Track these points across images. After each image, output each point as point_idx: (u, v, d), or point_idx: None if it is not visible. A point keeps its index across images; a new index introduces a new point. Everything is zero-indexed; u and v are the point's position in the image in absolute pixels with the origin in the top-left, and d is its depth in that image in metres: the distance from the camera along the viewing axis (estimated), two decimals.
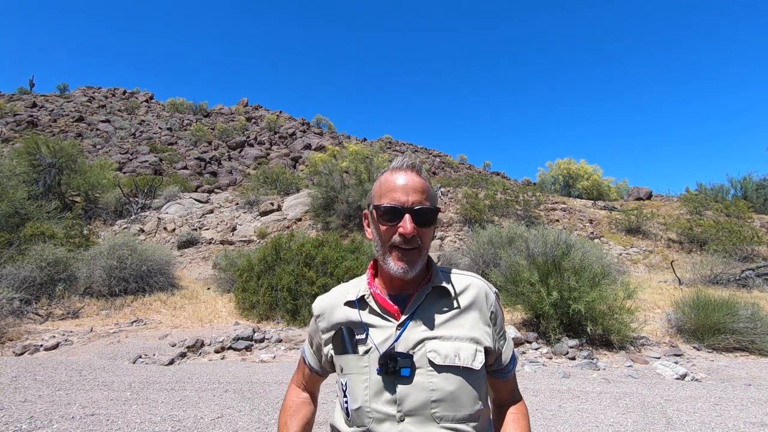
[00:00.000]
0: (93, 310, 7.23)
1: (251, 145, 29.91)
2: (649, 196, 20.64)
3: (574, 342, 5.28)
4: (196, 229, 14.14)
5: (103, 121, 31.10)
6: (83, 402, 3.37)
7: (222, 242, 13.40)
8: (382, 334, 0.92)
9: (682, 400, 3.65)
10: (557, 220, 14.41)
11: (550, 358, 5.12)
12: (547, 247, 6.42)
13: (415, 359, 0.88)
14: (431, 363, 0.87)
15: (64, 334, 5.79)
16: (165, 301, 7.75)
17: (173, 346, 5.24)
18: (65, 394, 3.55)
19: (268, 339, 5.63)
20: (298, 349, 5.47)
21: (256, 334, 5.65)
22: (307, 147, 30.62)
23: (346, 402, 0.92)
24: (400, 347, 0.89)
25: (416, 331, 0.91)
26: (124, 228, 14.10)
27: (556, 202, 16.28)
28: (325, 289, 6.29)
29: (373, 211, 0.94)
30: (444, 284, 0.95)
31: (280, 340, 5.64)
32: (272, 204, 15.33)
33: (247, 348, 5.35)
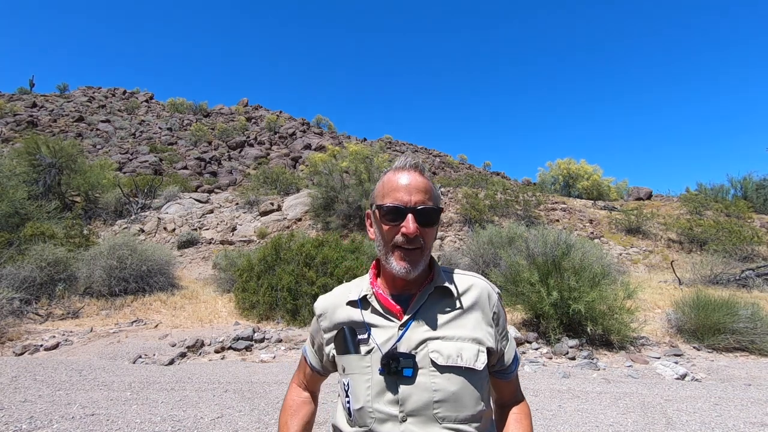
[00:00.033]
0: (93, 310, 7.23)
1: (251, 145, 29.91)
2: (649, 196, 20.64)
3: (574, 342, 5.28)
4: (196, 229, 14.14)
5: (103, 121, 31.10)
6: (83, 402, 3.37)
7: (222, 242, 13.40)
8: (384, 334, 0.92)
9: (682, 400, 3.65)
10: (557, 220, 14.41)
11: (550, 358, 5.12)
12: (547, 247, 6.42)
13: (417, 359, 0.88)
14: (434, 363, 0.87)
15: (64, 334, 5.79)
16: (165, 301, 7.75)
17: (173, 346, 5.24)
18: (65, 394, 3.55)
19: (268, 339, 5.63)
20: (298, 349, 5.47)
21: (256, 334, 5.65)
22: (307, 147, 30.62)
23: (348, 402, 0.92)
24: (403, 347, 0.89)
25: (419, 331, 0.91)
26: (124, 228, 14.10)
27: (556, 202, 16.28)
28: (325, 289, 6.30)
29: (376, 210, 0.94)
30: (446, 284, 0.95)
31: (280, 340, 5.64)
32: (272, 204, 15.33)
33: (247, 348, 5.35)
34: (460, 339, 0.90)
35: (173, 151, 26.46)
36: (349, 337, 0.94)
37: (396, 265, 0.90)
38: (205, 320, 6.63)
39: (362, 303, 0.97)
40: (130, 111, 36.46)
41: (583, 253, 6.32)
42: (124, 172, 20.90)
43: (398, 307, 0.94)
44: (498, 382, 1.02)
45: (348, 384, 0.93)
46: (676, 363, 4.83)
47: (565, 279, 5.50)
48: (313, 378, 1.13)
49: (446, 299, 0.95)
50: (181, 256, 12.29)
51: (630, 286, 5.63)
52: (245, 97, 44.08)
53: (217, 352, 5.23)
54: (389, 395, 0.87)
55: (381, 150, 19.33)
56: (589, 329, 5.35)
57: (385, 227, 0.91)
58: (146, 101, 40.42)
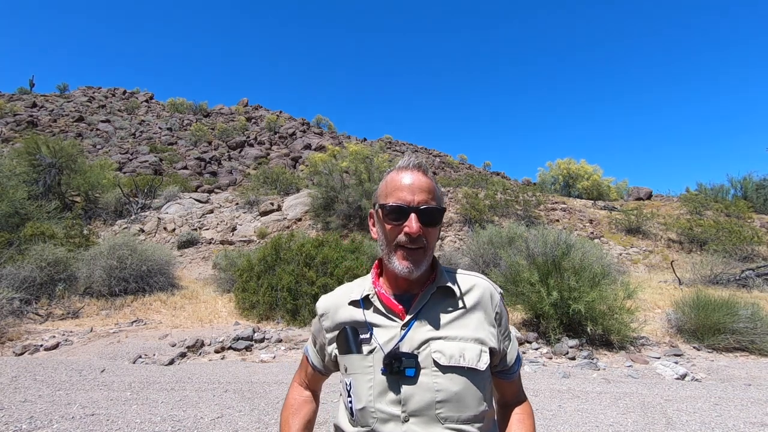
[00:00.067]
0: (93, 310, 7.23)
1: (251, 145, 29.91)
2: (649, 196, 20.64)
3: (574, 342, 5.28)
4: (196, 229, 14.14)
5: (103, 121, 31.10)
6: (83, 402, 3.37)
7: (222, 242, 13.40)
8: (386, 333, 0.92)
9: (682, 400, 3.65)
10: (557, 220, 14.41)
11: (550, 358, 5.12)
12: (547, 247, 6.42)
13: (419, 359, 0.87)
14: (436, 363, 0.87)
15: (64, 334, 5.79)
16: (165, 301, 7.75)
17: (173, 346, 5.23)
18: (65, 394, 3.55)
19: (268, 339, 5.63)
20: (298, 349, 5.47)
21: (256, 334, 5.65)
22: (307, 147, 30.62)
23: (350, 402, 0.92)
24: (405, 347, 0.89)
25: (421, 331, 0.90)
26: (124, 228, 14.10)
27: (556, 202, 16.28)
28: (325, 289, 6.31)
29: (379, 210, 0.94)
30: (449, 284, 0.95)
31: (280, 340, 5.64)
32: (272, 204, 15.33)
33: (247, 348, 5.35)
34: (462, 339, 0.90)
35: (173, 151, 26.46)
36: (351, 337, 0.93)
37: (398, 264, 0.90)
38: (205, 320, 6.63)
39: (364, 303, 0.97)
40: (130, 111, 36.47)
41: (583, 253, 6.32)
42: (124, 172, 20.90)
43: (400, 306, 0.93)
44: (500, 382, 1.02)
45: (350, 384, 0.93)
46: (676, 363, 4.83)
47: (565, 279, 5.50)
48: (314, 377, 1.13)
49: (449, 299, 0.95)
50: (181, 256, 12.29)
51: (630, 286, 5.63)
52: (245, 97, 44.12)
53: (217, 352, 5.23)
54: (391, 395, 0.87)
55: (381, 150, 19.33)
56: (589, 329, 5.35)
57: (388, 226, 0.91)
58: (146, 101, 40.42)
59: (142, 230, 14.00)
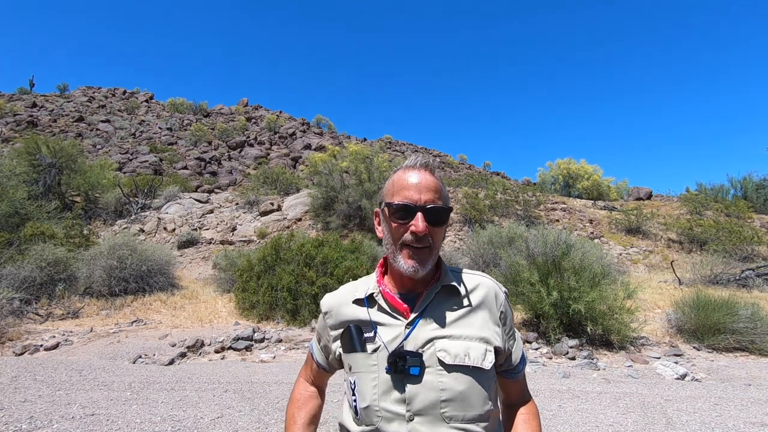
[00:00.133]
0: (93, 310, 7.23)
1: (251, 145, 29.91)
2: (649, 196, 20.64)
3: (574, 342, 5.28)
4: (196, 229, 14.14)
5: (103, 121, 31.10)
6: (83, 402, 3.37)
7: (222, 242, 13.40)
8: (390, 332, 0.92)
9: (682, 400, 3.65)
10: (557, 220, 14.42)
11: (550, 358, 5.12)
12: (547, 247, 6.42)
13: (424, 358, 0.87)
14: (441, 362, 0.87)
15: (64, 334, 5.79)
16: (165, 301, 7.75)
17: (173, 346, 5.23)
18: (65, 394, 3.55)
19: (268, 339, 5.63)
20: (298, 349, 5.47)
21: (256, 334, 5.65)
22: (307, 147, 30.62)
23: (355, 400, 0.92)
24: (409, 346, 0.89)
25: (426, 329, 0.90)
26: (124, 228, 14.10)
27: (556, 202, 16.28)
28: (326, 289, 6.31)
29: (385, 208, 0.94)
30: (453, 283, 0.95)
31: (280, 340, 5.64)
32: (272, 204, 15.33)
33: (247, 348, 5.35)
34: (467, 338, 0.90)
35: (173, 151, 26.45)
36: (356, 336, 0.93)
37: (404, 263, 0.90)
38: (205, 320, 6.63)
39: (369, 301, 0.97)
40: (130, 111, 36.47)
41: (583, 253, 6.32)
42: (124, 172, 20.90)
43: (405, 305, 0.93)
44: (505, 381, 1.02)
45: (354, 382, 0.92)
46: (676, 363, 4.83)
47: (565, 279, 5.50)
48: (319, 374, 1.13)
49: (453, 298, 0.95)
50: (181, 256, 12.29)
51: (630, 286, 5.63)
52: (245, 97, 44.10)
53: (217, 352, 5.23)
54: (396, 394, 0.87)
55: (381, 150, 19.33)
56: (589, 329, 5.35)
57: (394, 225, 0.91)
58: (146, 101, 40.42)
59: (142, 230, 14.00)
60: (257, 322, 6.67)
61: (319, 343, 1.11)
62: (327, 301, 1.05)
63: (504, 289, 1.01)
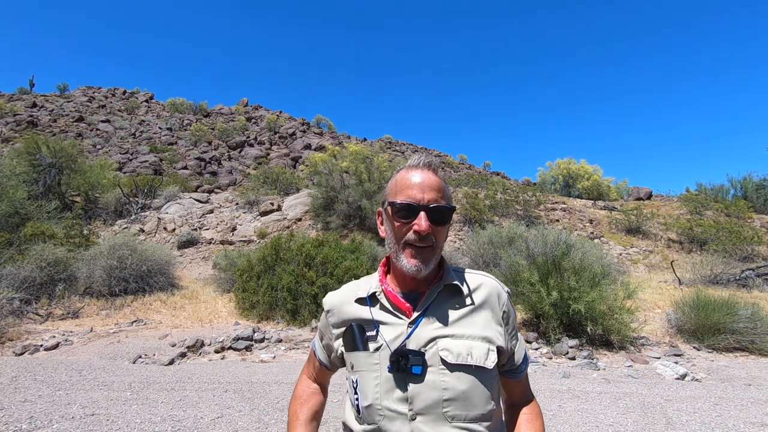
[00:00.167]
0: (93, 310, 7.23)
1: (251, 145, 29.91)
2: (649, 196, 20.64)
3: (574, 342, 5.28)
4: (196, 229, 14.14)
5: (103, 121, 31.10)
6: (83, 402, 3.37)
7: (222, 242, 13.40)
8: (393, 331, 0.92)
9: (682, 400, 3.65)
10: (557, 220, 14.42)
11: (550, 358, 5.12)
12: (547, 247, 6.42)
13: (426, 357, 0.87)
14: (443, 361, 0.87)
15: (64, 334, 5.79)
16: (165, 301, 7.75)
17: (173, 346, 5.23)
18: (65, 394, 3.55)
19: (268, 339, 5.63)
20: (298, 349, 5.47)
21: (256, 334, 5.65)
22: (307, 147, 30.62)
23: (357, 399, 0.92)
24: (412, 345, 0.89)
25: (428, 328, 0.90)
26: (124, 228, 14.09)
27: (556, 202, 16.29)
28: (325, 289, 6.31)
29: (388, 207, 0.94)
30: (456, 282, 0.95)
31: (280, 340, 5.64)
32: (272, 204, 15.33)
33: (247, 348, 5.35)
34: (470, 337, 0.90)
35: (173, 151, 26.45)
36: (358, 334, 0.93)
37: (407, 262, 0.90)
38: (205, 320, 6.63)
39: (371, 300, 0.97)
40: (130, 111, 36.46)
41: (583, 253, 6.33)
42: (124, 172, 20.90)
43: (407, 304, 0.93)
44: (508, 381, 1.02)
45: (357, 381, 0.92)
46: (676, 363, 4.83)
47: (565, 279, 5.50)
48: (321, 371, 1.14)
49: (456, 297, 0.95)
50: (181, 256, 12.29)
51: (630, 286, 5.63)
52: (245, 97, 44.10)
53: (217, 352, 5.23)
54: (398, 393, 0.87)
55: (381, 150, 19.33)
56: (589, 329, 5.35)
57: (397, 224, 0.91)
58: (146, 101, 40.41)
59: (142, 230, 14.00)
60: (257, 322, 6.67)
61: (321, 341, 1.11)
62: (329, 299, 1.05)
63: (507, 288, 1.01)
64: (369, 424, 0.90)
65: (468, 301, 0.94)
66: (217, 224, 14.66)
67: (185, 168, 23.28)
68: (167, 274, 8.76)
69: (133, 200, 15.93)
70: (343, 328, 0.99)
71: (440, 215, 0.90)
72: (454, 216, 13.94)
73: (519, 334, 1.04)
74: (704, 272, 9.07)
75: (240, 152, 28.63)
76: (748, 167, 20.74)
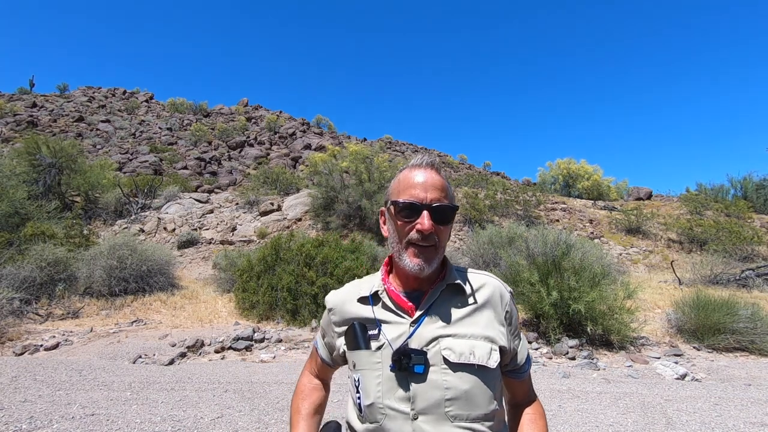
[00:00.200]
0: (93, 310, 7.23)
1: (251, 145, 29.91)
2: (649, 196, 20.64)
3: (574, 342, 5.28)
4: (196, 229, 14.14)
5: (103, 121, 31.10)
6: (83, 402, 3.37)
7: (222, 242, 13.40)
8: (395, 330, 0.91)
9: (682, 400, 3.65)
10: (557, 220, 14.42)
11: (550, 358, 5.12)
12: (547, 247, 6.42)
13: (428, 356, 0.87)
14: (446, 361, 0.87)
15: (64, 334, 5.79)
16: (165, 301, 7.75)
17: (173, 346, 5.23)
18: (65, 394, 3.55)
19: (268, 339, 5.63)
20: (298, 349, 5.47)
21: (256, 334, 5.65)
22: (307, 147, 30.61)
23: (359, 398, 0.92)
24: (414, 344, 0.89)
25: (430, 328, 0.90)
26: (124, 228, 14.09)
27: (556, 202, 16.29)
28: (325, 289, 6.30)
29: (391, 207, 0.94)
30: (458, 282, 0.95)
31: (280, 340, 5.64)
32: (272, 204, 15.33)
33: (247, 348, 5.35)
34: (472, 337, 0.90)
35: (173, 151, 26.45)
36: (360, 333, 0.93)
37: (409, 262, 0.90)
38: (205, 320, 6.63)
39: (373, 299, 0.97)
40: (130, 111, 36.46)
41: (583, 253, 6.32)
42: (124, 172, 20.90)
43: (410, 303, 0.93)
44: (511, 381, 1.02)
45: (359, 380, 0.92)
46: (676, 363, 4.83)
47: (565, 279, 5.50)
48: (323, 368, 1.14)
49: (458, 297, 0.95)
50: (181, 256, 12.29)
51: (630, 286, 5.63)
52: (245, 97, 44.10)
53: (217, 352, 5.23)
54: (400, 392, 0.87)
55: (381, 150, 19.32)
56: (589, 329, 5.35)
57: (400, 223, 0.91)
58: (146, 101, 40.41)
59: (142, 230, 14.00)
60: (257, 322, 6.67)
61: (323, 339, 1.11)
62: (332, 297, 1.05)
63: (509, 289, 1.01)
64: (371, 422, 0.90)
65: (471, 300, 0.94)
66: (217, 224, 14.66)
67: (185, 168, 23.28)
68: (167, 274, 8.76)
69: (133, 200, 15.93)
70: (345, 327, 0.99)
71: (443, 214, 0.90)
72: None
73: (522, 334, 1.04)
74: (704, 272, 9.07)
75: (240, 152, 28.63)
76: (748, 167, 20.78)
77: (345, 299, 1.02)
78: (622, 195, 20.86)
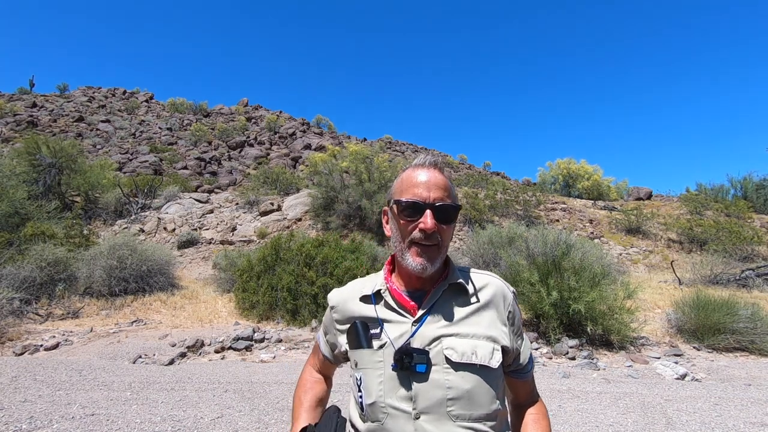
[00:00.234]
0: (93, 310, 7.23)
1: (251, 145, 29.91)
2: (649, 196, 20.64)
3: (574, 342, 5.28)
4: (196, 229, 14.14)
5: (103, 121, 31.10)
6: (83, 402, 3.37)
7: (222, 242, 13.40)
8: (397, 329, 0.92)
9: (682, 400, 3.66)
10: (557, 220, 14.42)
11: (550, 358, 5.12)
12: (547, 247, 6.42)
13: (431, 356, 0.87)
14: (448, 360, 0.87)
15: (64, 334, 5.79)
16: (165, 301, 7.75)
17: (173, 346, 5.23)
18: (65, 394, 3.55)
19: (268, 339, 5.63)
20: (298, 349, 5.47)
21: (256, 334, 5.65)
22: (307, 147, 30.61)
23: (361, 396, 0.92)
24: (416, 343, 0.89)
25: (433, 327, 0.90)
26: (124, 228, 14.09)
27: (556, 202, 16.29)
28: (325, 289, 6.30)
29: (394, 206, 0.94)
30: (461, 281, 0.95)
31: (280, 340, 5.64)
32: (272, 204, 15.33)
33: (247, 348, 5.35)
34: (474, 336, 0.90)
35: (173, 151, 26.45)
36: (362, 332, 0.93)
37: (412, 261, 0.90)
38: (205, 320, 6.63)
39: (376, 298, 0.97)
40: (130, 111, 36.46)
41: (583, 253, 6.32)
42: (124, 172, 20.90)
43: (412, 303, 0.93)
44: (514, 382, 1.02)
45: (360, 379, 0.92)
46: (676, 363, 4.83)
47: (565, 279, 5.50)
48: (325, 364, 1.15)
49: (461, 296, 0.95)
50: (181, 256, 12.29)
51: (630, 286, 5.63)
52: (245, 97, 44.09)
53: (217, 352, 5.23)
54: (402, 391, 0.87)
55: (381, 150, 19.32)
56: (589, 329, 5.35)
57: (403, 222, 0.91)
58: (146, 101, 40.41)
59: (142, 230, 14.00)
60: (257, 322, 6.67)
61: (325, 336, 1.11)
62: (334, 295, 1.05)
63: (512, 289, 1.01)
64: (373, 421, 0.90)
65: (473, 300, 0.94)
66: (217, 224, 14.66)
67: (185, 168, 23.28)
68: (167, 274, 8.76)
69: (133, 200, 15.93)
70: (348, 325, 0.99)
71: (446, 214, 0.90)
72: None
73: (525, 334, 1.04)
74: (704, 272, 9.07)
75: (240, 152, 28.63)
76: (748, 167, 20.79)
77: (347, 297, 1.02)
78: (622, 195, 20.87)
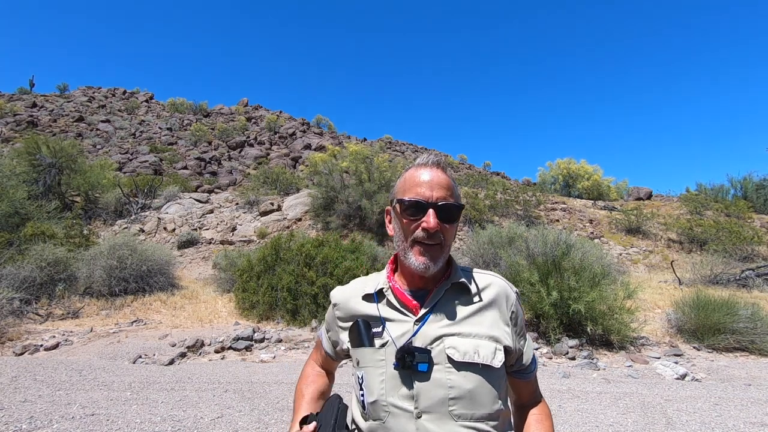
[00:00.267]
0: (93, 310, 7.23)
1: (251, 145, 29.90)
2: (649, 196, 20.64)
3: (574, 342, 5.28)
4: (196, 229, 14.14)
5: (103, 121, 31.09)
6: (83, 402, 3.37)
7: (222, 242, 13.40)
8: (399, 328, 0.91)
9: (682, 400, 3.65)
10: (557, 220, 14.42)
11: (550, 358, 5.12)
12: (547, 247, 6.42)
13: (432, 355, 0.87)
14: (450, 359, 0.87)
15: (64, 334, 5.79)
16: (165, 301, 7.75)
17: (173, 346, 5.23)
18: (65, 394, 3.55)
19: (268, 339, 5.63)
20: (298, 349, 5.47)
21: (256, 334, 5.65)
22: (307, 147, 30.61)
23: (362, 395, 0.92)
24: (418, 342, 0.89)
25: (435, 326, 0.90)
26: (124, 228, 14.09)
27: (556, 202, 16.29)
28: (325, 289, 6.30)
29: (397, 205, 0.94)
30: (464, 281, 0.95)
31: (280, 340, 5.64)
32: (272, 204, 15.33)
33: (247, 348, 5.35)
34: (477, 336, 0.90)
35: (173, 151, 26.45)
36: (364, 331, 0.93)
37: (415, 260, 0.90)
38: (205, 320, 6.63)
39: (378, 297, 0.97)
40: (130, 111, 36.46)
41: (583, 253, 6.32)
42: (124, 172, 20.90)
43: (415, 302, 0.93)
44: (517, 382, 1.01)
45: (362, 377, 0.92)
46: (676, 363, 4.83)
47: (565, 279, 5.50)
48: (327, 360, 1.15)
49: (463, 296, 0.95)
50: (181, 256, 12.29)
51: (630, 286, 5.63)
52: (245, 97, 44.09)
53: (217, 352, 5.23)
54: (404, 390, 0.87)
55: (381, 150, 19.32)
56: (589, 329, 5.35)
57: (405, 221, 0.92)
58: (146, 101, 40.41)
59: (142, 230, 14.00)
60: (257, 322, 6.67)
61: (327, 333, 1.12)
62: (336, 293, 1.06)
63: (515, 289, 1.01)
64: (374, 420, 0.90)
65: (476, 299, 0.94)
66: (217, 224, 14.66)
67: (185, 168, 23.28)
68: (167, 274, 8.76)
69: (133, 200, 15.93)
70: (350, 323, 0.99)
71: (449, 213, 0.91)
72: None
73: (528, 335, 1.04)
74: (704, 272, 9.07)
75: (240, 152, 28.63)
76: (748, 167, 20.79)
77: (350, 296, 1.02)
78: (622, 195, 20.87)
